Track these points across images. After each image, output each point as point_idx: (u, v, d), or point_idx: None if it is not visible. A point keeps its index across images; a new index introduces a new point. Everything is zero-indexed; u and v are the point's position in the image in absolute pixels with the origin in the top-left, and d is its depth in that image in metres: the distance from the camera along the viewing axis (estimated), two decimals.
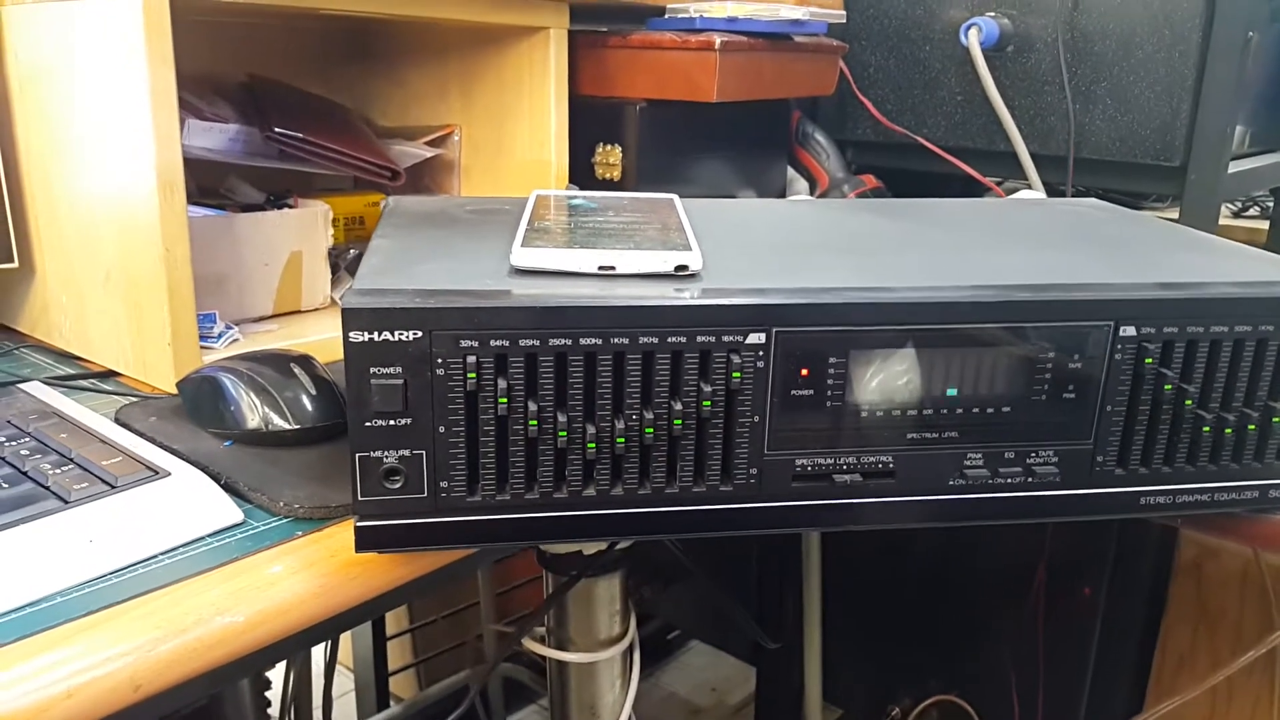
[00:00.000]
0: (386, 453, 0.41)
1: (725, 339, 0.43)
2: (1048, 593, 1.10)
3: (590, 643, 0.68)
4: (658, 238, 0.49)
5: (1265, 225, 1.30)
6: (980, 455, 0.47)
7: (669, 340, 0.42)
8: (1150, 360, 0.46)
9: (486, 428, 0.42)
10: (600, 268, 0.45)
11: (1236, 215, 1.46)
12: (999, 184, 1.06)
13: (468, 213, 0.59)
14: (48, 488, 0.47)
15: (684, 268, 0.46)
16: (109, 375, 0.69)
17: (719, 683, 1.69)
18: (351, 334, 0.40)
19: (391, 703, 1.58)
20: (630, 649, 0.70)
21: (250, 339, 0.71)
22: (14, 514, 0.45)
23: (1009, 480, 0.47)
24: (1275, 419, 0.48)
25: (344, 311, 0.40)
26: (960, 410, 0.46)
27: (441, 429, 0.42)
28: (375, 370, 0.40)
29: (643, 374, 0.43)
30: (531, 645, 0.68)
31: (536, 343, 0.41)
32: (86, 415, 0.57)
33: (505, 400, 0.41)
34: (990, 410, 0.46)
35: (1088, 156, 0.98)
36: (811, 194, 1.12)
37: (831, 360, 0.44)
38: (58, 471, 0.48)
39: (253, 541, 0.46)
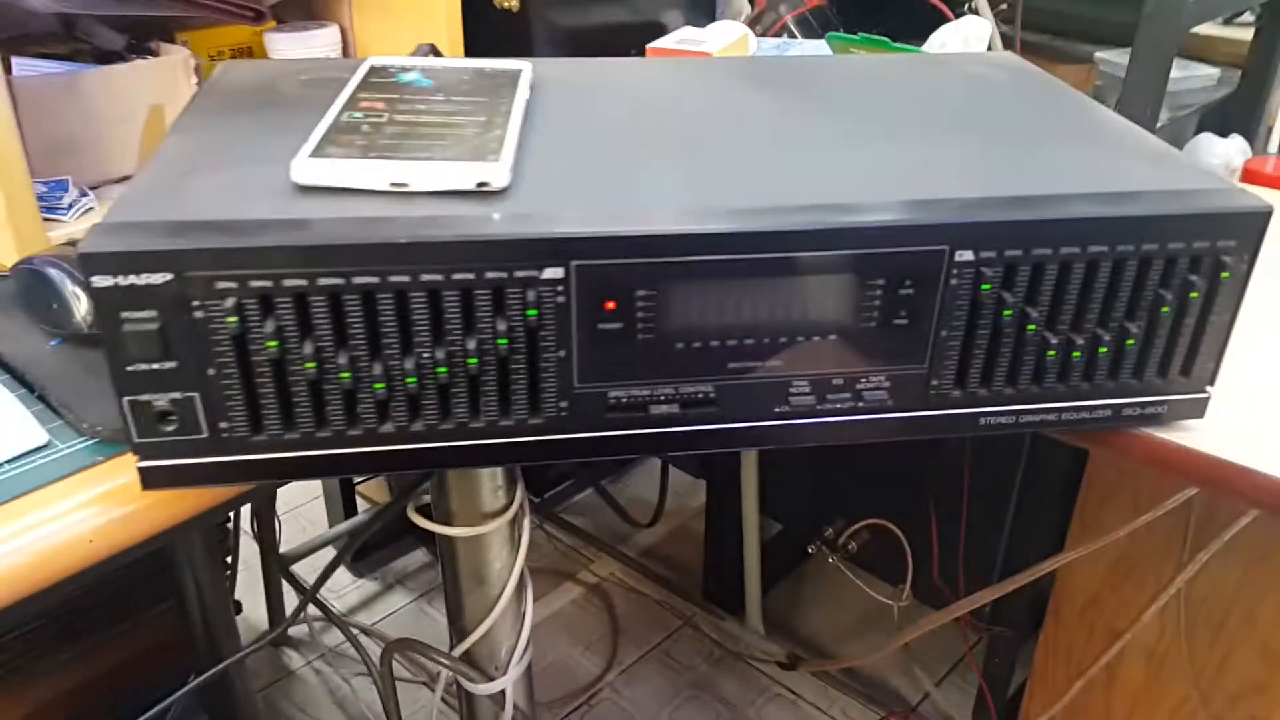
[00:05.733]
0: (155, 396, 0.39)
1: (518, 274, 0.39)
2: None
3: (474, 516, 0.68)
4: (472, 140, 0.45)
5: (1250, 36, 1.20)
6: (806, 383, 0.44)
7: (455, 277, 0.39)
8: (988, 286, 0.43)
9: (262, 370, 0.39)
10: (393, 184, 0.41)
11: (1226, 23, 1.35)
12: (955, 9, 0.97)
13: (298, 84, 0.54)
14: None
15: (485, 184, 0.42)
16: None
17: (681, 489, 1.76)
18: (95, 279, 0.37)
19: (360, 507, 1.64)
20: (516, 518, 0.71)
21: (107, 205, 0.68)
22: None
23: (837, 405, 0.45)
24: (1129, 341, 0.45)
25: (81, 256, 0.36)
26: (784, 339, 0.43)
27: (211, 372, 0.39)
28: (127, 315, 0.37)
29: (430, 312, 0.40)
30: (415, 518, 0.69)
31: (305, 282, 0.38)
32: None
33: (276, 344, 0.39)
34: (816, 338, 0.43)
35: None
36: (750, 13, 1.03)
37: (639, 294, 0.41)
38: None
39: (53, 469, 0.44)
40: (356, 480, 1.62)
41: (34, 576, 0.40)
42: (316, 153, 0.42)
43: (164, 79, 0.70)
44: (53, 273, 0.54)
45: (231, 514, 1.27)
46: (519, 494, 0.72)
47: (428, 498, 0.72)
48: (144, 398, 0.39)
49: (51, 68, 0.68)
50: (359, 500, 1.65)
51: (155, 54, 0.73)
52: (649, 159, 0.47)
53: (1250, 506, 0.47)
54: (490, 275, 0.39)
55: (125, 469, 0.44)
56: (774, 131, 0.51)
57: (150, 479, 0.41)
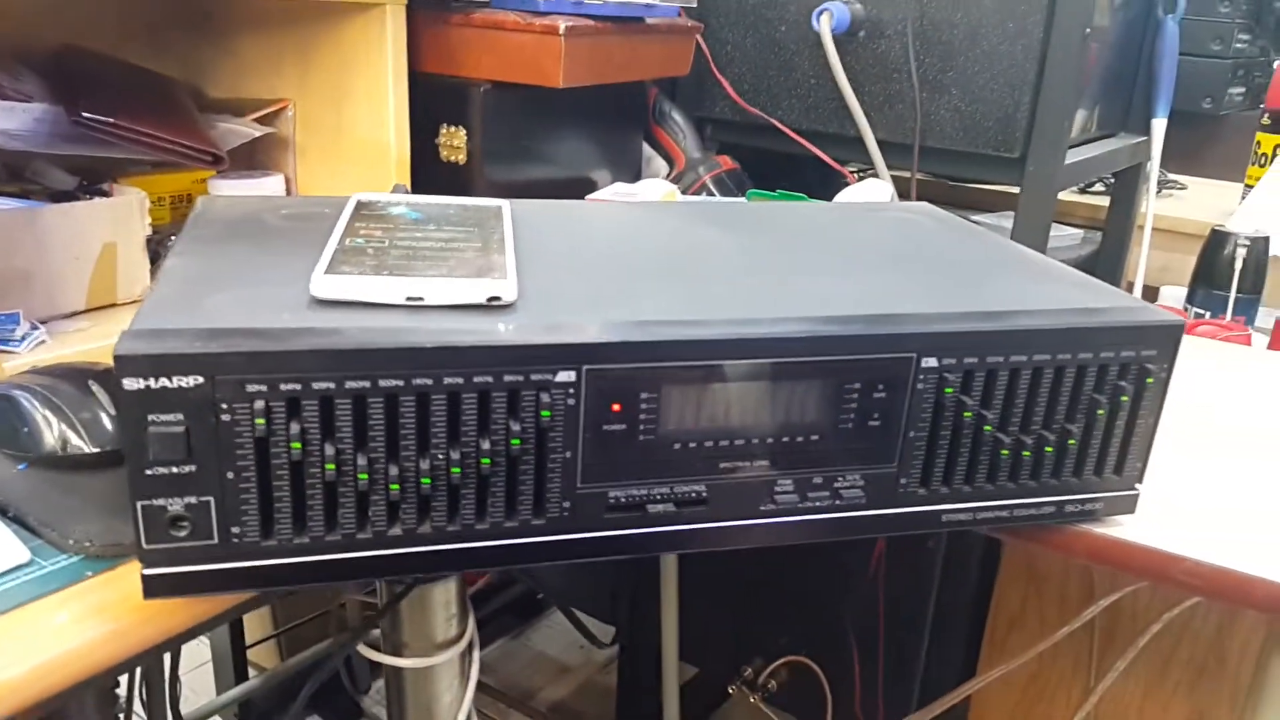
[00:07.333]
0: (170, 500, 0.39)
1: (534, 377, 0.42)
2: (888, 558, 1.14)
3: (426, 646, 0.67)
4: (475, 261, 0.48)
5: (1107, 201, 1.35)
6: (790, 482, 0.48)
7: (475, 380, 0.41)
8: (950, 390, 0.47)
9: (280, 472, 0.40)
10: (408, 298, 0.44)
11: (1082, 191, 1.52)
12: (852, 171, 1.08)
13: (282, 218, 0.56)
14: None
15: (496, 299, 0.44)
16: None
17: (586, 641, 1.72)
18: (125, 381, 0.37)
19: (251, 673, 1.55)
20: (469, 648, 0.70)
21: (59, 339, 0.67)
22: None
23: (817, 504, 0.48)
24: (1070, 441, 0.50)
25: (117, 358, 0.37)
26: (770, 440, 0.47)
27: (230, 475, 0.40)
28: (153, 418, 0.38)
29: (448, 414, 0.42)
30: (366, 651, 0.67)
31: (332, 385, 0.40)
32: None
33: (299, 445, 0.40)
34: (800, 439, 0.47)
35: (933, 145, 1.00)
36: (670, 173, 1.11)
37: (643, 395, 0.44)
38: None
39: (38, 585, 0.43)
40: (249, 643, 1.54)
41: (28, 691, 0.38)
42: (331, 269, 0.44)
43: (119, 218, 0.71)
44: (21, 397, 0.54)
45: (124, 681, 1.19)
46: (470, 623, 0.71)
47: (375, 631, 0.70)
48: (158, 502, 0.39)
49: (8, 204, 0.68)
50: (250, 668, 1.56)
51: (109, 194, 0.74)
52: (634, 279, 0.51)
53: (1187, 593, 0.51)
54: (508, 378, 0.42)
55: (119, 581, 0.43)
56: (741, 258, 0.56)
57: (153, 587, 0.41)
